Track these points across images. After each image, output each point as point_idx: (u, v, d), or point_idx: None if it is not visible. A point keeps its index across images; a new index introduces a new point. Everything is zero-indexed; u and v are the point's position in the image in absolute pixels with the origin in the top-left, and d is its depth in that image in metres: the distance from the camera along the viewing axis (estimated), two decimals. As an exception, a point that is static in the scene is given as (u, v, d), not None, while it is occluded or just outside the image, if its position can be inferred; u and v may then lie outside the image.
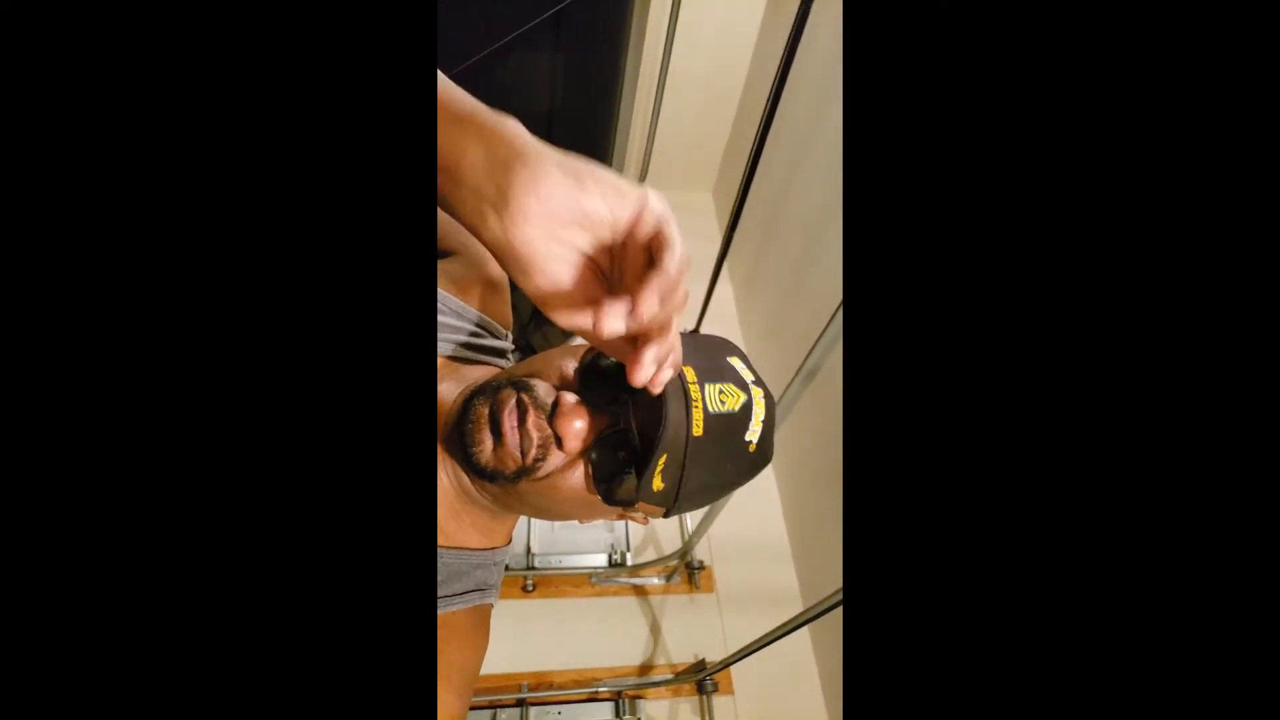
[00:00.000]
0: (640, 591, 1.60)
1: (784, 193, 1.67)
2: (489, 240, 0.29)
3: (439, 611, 0.48)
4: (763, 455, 0.46)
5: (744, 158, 1.01)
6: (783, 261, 1.72)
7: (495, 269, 0.63)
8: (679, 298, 0.30)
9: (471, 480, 0.49)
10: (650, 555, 1.66)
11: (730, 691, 1.47)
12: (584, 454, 0.45)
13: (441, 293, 0.58)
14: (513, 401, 0.44)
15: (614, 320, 0.28)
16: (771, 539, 1.70)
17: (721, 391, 0.43)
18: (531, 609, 1.54)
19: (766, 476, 1.67)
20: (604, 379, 0.46)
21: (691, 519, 1.58)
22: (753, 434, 0.44)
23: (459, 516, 0.52)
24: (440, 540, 0.50)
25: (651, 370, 0.31)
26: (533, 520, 1.63)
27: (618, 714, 1.43)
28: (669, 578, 1.61)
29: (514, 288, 0.54)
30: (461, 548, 0.52)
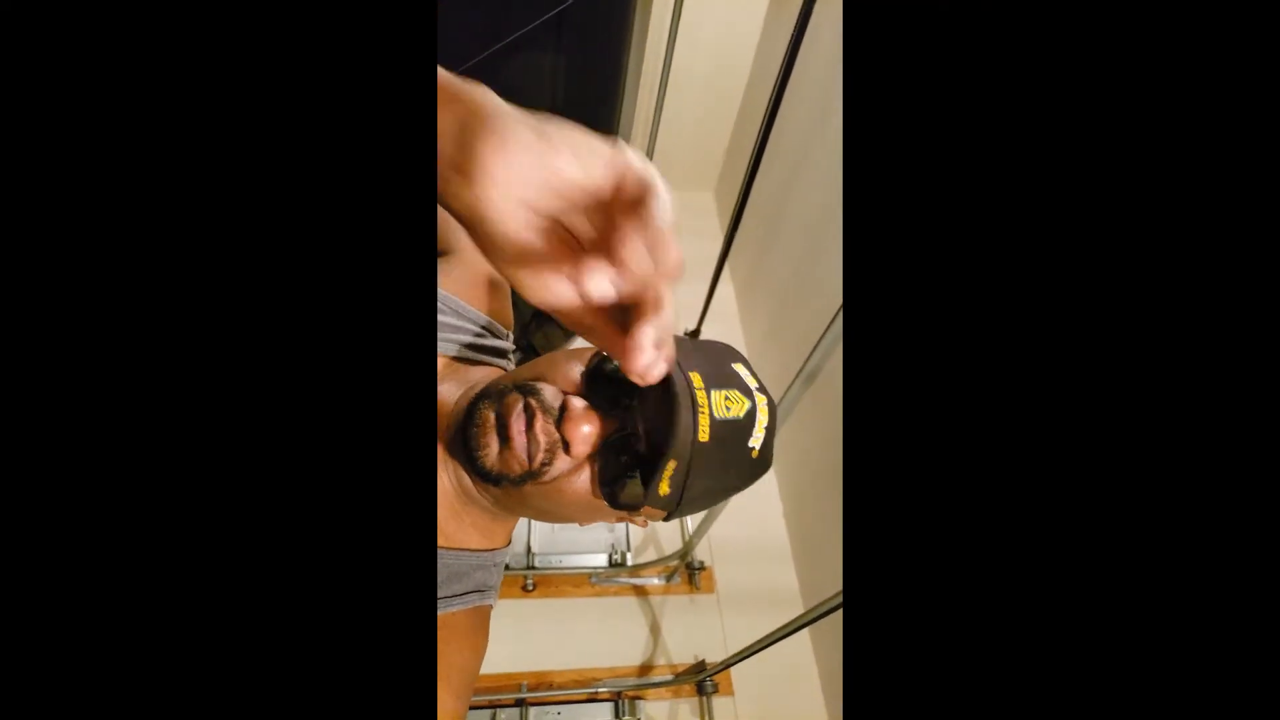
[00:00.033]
0: (640, 592, 1.61)
1: (786, 193, 1.67)
2: (458, 210, 0.27)
3: (438, 612, 0.48)
4: (764, 462, 0.46)
5: (746, 158, 1.01)
6: (784, 262, 1.72)
7: None
8: (671, 257, 0.25)
9: (473, 482, 0.49)
10: (650, 555, 1.66)
11: (730, 693, 1.47)
12: (590, 458, 0.45)
13: (442, 292, 0.58)
14: (520, 406, 0.44)
15: (599, 279, 0.25)
16: (772, 540, 1.70)
17: (727, 398, 0.43)
18: (531, 609, 1.54)
19: (767, 478, 1.65)
20: (610, 383, 0.46)
21: (692, 520, 1.57)
22: (755, 440, 0.44)
23: (459, 517, 0.52)
24: (440, 541, 0.50)
25: (651, 353, 0.27)
26: (533, 520, 1.63)
27: (617, 714, 1.43)
28: (669, 578, 1.61)
29: (514, 287, 0.54)
30: (461, 549, 0.52)
